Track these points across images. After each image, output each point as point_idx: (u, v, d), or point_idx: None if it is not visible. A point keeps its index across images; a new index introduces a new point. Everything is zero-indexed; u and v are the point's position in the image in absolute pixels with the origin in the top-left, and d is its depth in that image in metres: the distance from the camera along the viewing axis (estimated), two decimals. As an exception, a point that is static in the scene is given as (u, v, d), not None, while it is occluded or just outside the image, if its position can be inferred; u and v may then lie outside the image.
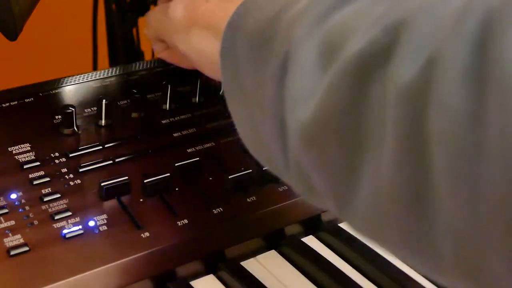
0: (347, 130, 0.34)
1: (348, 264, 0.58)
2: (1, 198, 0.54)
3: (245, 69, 0.42)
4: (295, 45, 0.37)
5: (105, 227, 0.54)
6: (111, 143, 0.62)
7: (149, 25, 0.59)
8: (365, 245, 0.59)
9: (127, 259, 0.52)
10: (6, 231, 0.52)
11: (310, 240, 0.60)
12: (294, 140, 0.37)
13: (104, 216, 0.55)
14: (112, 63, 1.06)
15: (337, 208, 0.37)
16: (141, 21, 1.06)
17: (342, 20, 0.36)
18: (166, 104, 0.67)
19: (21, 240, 0.52)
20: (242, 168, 0.60)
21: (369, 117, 0.33)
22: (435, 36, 0.30)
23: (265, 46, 0.40)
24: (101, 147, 0.61)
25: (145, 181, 0.57)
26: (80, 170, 0.58)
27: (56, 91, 0.67)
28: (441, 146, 0.29)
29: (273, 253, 0.59)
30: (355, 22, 0.34)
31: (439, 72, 0.29)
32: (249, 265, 0.57)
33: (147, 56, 1.09)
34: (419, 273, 0.43)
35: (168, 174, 0.58)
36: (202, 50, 0.51)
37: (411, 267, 0.37)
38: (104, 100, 0.63)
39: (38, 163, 0.58)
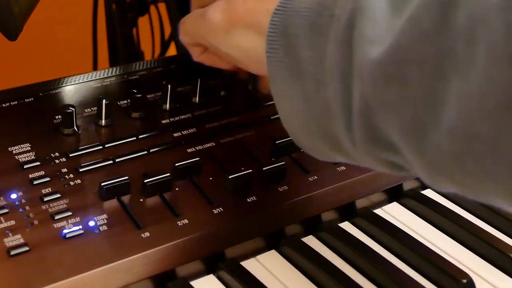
0: (430, 56, 0.36)
1: (348, 264, 0.58)
2: (1, 198, 0.54)
3: (299, 45, 0.44)
4: (361, 1, 0.40)
5: (105, 227, 0.54)
6: (111, 143, 0.62)
7: (186, 31, 0.60)
8: (365, 245, 0.59)
9: (127, 259, 0.52)
10: (6, 231, 0.52)
11: (310, 240, 0.60)
12: (367, 87, 0.39)
13: (104, 216, 0.55)
14: (112, 63, 1.07)
15: (413, 150, 0.39)
16: (141, 21, 1.06)
17: None
18: (166, 104, 0.67)
19: (21, 240, 0.52)
20: (242, 168, 0.60)
21: (454, 40, 0.35)
22: None
23: (323, 17, 0.43)
24: (101, 147, 0.61)
25: (145, 181, 0.57)
26: (80, 170, 0.58)
27: (56, 91, 0.67)
28: None
29: (273, 253, 0.59)
30: None
31: None
32: (249, 265, 0.57)
33: (147, 56, 1.10)
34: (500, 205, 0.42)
35: (168, 174, 0.58)
36: (247, 49, 0.52)
37: (485, 200, 0.39)
38: (104, 100, 0.63)
39: (38, 163, 0.58)
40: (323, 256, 0.57)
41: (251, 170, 0.59)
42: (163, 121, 0.66)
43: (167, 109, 0.67)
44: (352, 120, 0.42)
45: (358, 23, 0.40)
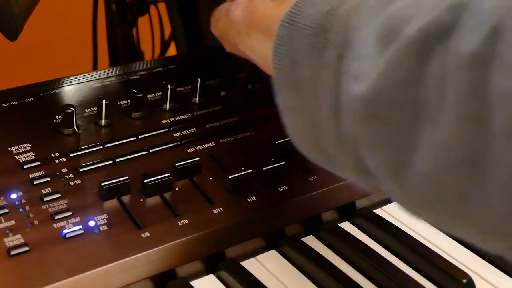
0: (405, 102, 0.37)
1: (348, 264, 0.58)
2: (1, 198, 0.54)
3: (300, 62, 0.44)
4: (351, 34, 0.40)
5: (105, 227, 0.54)
6: (111, 143, 0.62)
7: (215, 25, 0.60)
8: (365, 245, 0.59)
9: (127, 259, 0.52)
10: (6, 231, 0.52)
11: (310, 240, 0.60)
12: (351, 120, 0.40)
13: (104, 216, 0.55)
14: (112, 63, 1.07)
15: (392, 184, 0.39)
16: (141, 21, 1.06)
17: (400, 9, 0.39)
18: (166, 104, 0.67)
19: (21, 240, 0.52)
20: (242, 168, 0.60)
21: (427, 89, 0.35)
22: (496, 11, 0.33)
23: (321, 39, 0.43)
24: (101, 147, 0.61)
25: (145, 181, 0.57)
26: (80, 170, 0.58)
27: (56, 91, 0.67)
28: (502, 106, 0.32)
29: (273, 253, 0.59)
30: (414, 10, 0.38)
31: (504, 39, 0.32)
32: (249, 265, 0.57)
33: (147, 56, 1.10)
34: (469, 242, 0.43)
35: (168, 174, 0.58)
36: (263, 53, 0.52)
37: (460, 236, 0.41)
38: (104, 100, 0.63)
39: (38, 163, 0.58)
40: (323, 256, 0.57)
41: (251, 170, 0.59)
42: (163, 121, 0.66)
43: (167, 109, 0.67)
44: (342, 145, 0.42)
45: (345, 56, 0.40)
